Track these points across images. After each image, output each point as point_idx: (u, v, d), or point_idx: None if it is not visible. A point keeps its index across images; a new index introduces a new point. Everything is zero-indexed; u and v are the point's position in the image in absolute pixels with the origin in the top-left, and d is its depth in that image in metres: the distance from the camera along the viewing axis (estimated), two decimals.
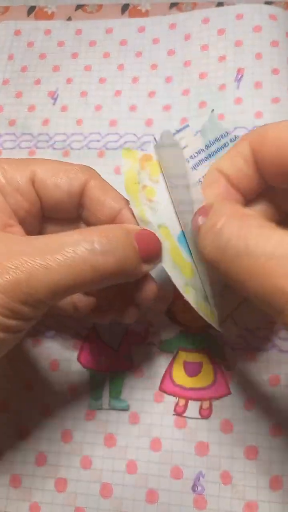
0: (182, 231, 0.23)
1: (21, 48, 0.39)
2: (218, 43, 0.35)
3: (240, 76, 0.34)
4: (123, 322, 0.25)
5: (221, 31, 0.36)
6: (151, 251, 0.22)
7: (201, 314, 0.24)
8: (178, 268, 0.23)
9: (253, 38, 0.35)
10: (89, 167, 0.25)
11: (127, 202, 0.24)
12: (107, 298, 0.25)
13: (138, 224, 0.23)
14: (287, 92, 0.33)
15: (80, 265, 0.19)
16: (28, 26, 0.39)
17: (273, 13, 0.35)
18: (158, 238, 0.23)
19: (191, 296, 0.24)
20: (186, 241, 0.24)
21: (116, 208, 0.23)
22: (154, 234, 0.23)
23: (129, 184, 0.24)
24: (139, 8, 0.40)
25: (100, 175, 0.24)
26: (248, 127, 0.32)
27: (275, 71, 0.33)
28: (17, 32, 0.39)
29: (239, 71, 0.34)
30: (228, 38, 0.35)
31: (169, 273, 0.23)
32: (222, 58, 0.35)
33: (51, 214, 0.24)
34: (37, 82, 0.37)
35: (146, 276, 0.23)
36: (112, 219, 0.24)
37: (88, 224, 0.25)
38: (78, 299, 0.25)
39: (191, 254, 0.23)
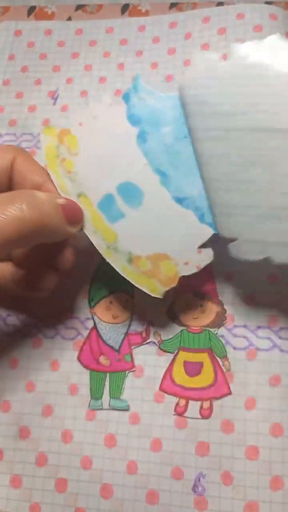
0: (107, 195, 0.25)
1: (21, 48, 0.39)
2: (218, 43, 0.35)
3: None
4: (44, 289, 0.27)
5: (221, 31, 0.36)
6: (75, 214, 0.25)
7: (124, 275, 0.26)
8: (99, 233, 0.26)
9: (254, 37, 0.35)
10: (16, 146, 0.28)
11: (49, 176, 0.26)
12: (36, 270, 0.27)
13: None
14: None
15: (10, 221, 0.21)
16: (28, 26, 0.39)
17: (273, 12, 0.35)
18: (78, 205, 0.26)
19: (112, 258, 0.26)
20: (108, 206, 0.26)
21: (39, 181, 0.26)
22: (75, 202, 0.26)
23: (49, 158, 0.26)
24: (139, 8, 0.40)
25: (26, 153, 0.27)
26: None
27: None
28: (18, 33, 0.39)
29: None
30: (228, 37, 0.35)
31: (90, 238, 0.26)
32: (223, 57, 0.34)
33: None
34: (38, 82, 0.37)
35: (65, 242, 0.26)
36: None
37: None
38: (11, 271, 0.27)
39: (115, 219, 0.26)
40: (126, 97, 0.27)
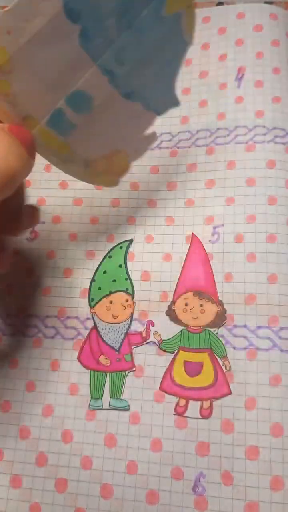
0: (55, 110, 0.23)
1: None
2: (218, 42, 0.35)
3: (240, 75, 0.34)
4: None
5: (221, 30, 0.35)
6: (28, 140, 0.22)
7: (83, 180, 0.27)
8: (52, 149, 0.24)
9: (254, 37, 0.35)
10: None
11: None
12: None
13: None
14: (287, 92, 0.33)
15: None
16: None
17: (273, 12, 0.35)
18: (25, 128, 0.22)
19: (69, 169, 0.26)
20: (58, 121, 0.23)
21: None
22: (21, 125, 0.22)
23: None
24: None
25: None
26: (249, 126, 0.32)
27: (275, 71, 0.33)
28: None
29: (240, 70, 0.34)
30: (228, 37, 0.35)
31: (45, 158, 0.24)
32: (222, 57, 0.35)
33: None
34: None
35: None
36: None
37: None
38: None
39: (67, 132, 0.24)
40: None
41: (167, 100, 0.28)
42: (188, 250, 0.30)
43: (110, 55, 0.23)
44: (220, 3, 0.38)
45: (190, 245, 0.30)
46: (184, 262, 0.30)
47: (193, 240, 0.30)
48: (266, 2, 0.36)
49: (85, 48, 0.22)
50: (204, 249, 0.30)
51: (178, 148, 0.33)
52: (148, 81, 0.26)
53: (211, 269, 0.29)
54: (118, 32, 0.23)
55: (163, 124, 0.34)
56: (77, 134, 0.25)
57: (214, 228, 0.30)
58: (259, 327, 0.28)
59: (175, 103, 0.28)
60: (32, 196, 0.33)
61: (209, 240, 0.30)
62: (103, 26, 0.23)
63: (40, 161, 0.33)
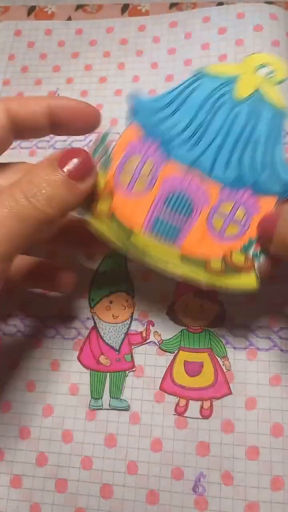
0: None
1: (21, 48, 0.39)
2: (219, 42, 0.35)
3: None
4: (61, 287, 0.28)
5: (222, 30, 0.36)
6: (80, 166, 0.21)
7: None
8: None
9: (254, 37, 0.35)
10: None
11: (50, 97, 0.26)
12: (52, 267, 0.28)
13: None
14: None
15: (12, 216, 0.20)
16: (29, 26, 0.39)
17: (274, 12, 0.35)
18: (80, 149, 0.22)
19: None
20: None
21: (43, 108, 0.24)
22: (78, 149, 0.21)
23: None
24: (139, 8, 0.40)
25: (14, 98, 0.26)
26: None
27: None
28: (18, 33, 0.39)
29: None
30: (229, 37, 0.35)
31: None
32: (223, 57, 0.35)
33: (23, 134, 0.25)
34: (38, 82, 0.37)
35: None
36: (48, 120, 0.24)
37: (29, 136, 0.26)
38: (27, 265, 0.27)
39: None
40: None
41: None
42: None
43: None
44: (220, 3, 0.38)
45: None
46: None
47: None
48: (266, 2, 0.36)
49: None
50: None
51: None
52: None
53: None
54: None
55: None
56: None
57: None
58: (259, 327, 0.28)
59: None
60: None
61: None
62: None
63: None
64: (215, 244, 0.23)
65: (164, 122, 0.23)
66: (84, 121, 0.25)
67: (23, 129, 0.24)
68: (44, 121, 0.24)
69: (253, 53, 0.24)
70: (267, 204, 0.23)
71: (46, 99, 0.24)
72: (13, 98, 0.26)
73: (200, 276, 0.23)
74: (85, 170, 0.21)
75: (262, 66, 0.23)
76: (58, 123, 0.24)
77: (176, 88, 0.24)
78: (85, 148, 0.22)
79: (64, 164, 0.21)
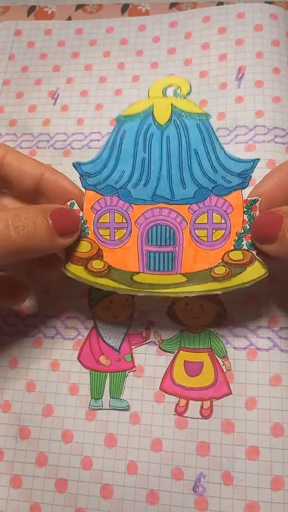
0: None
1: (21, 48, 0.39)
2: (219, 42, 0.35)
3: (241, 75, 0.34)
4: (14, 301, 0.28)
5: (221, 30, 0.35)
6: (67, 225, 0.24)
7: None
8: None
9: (254, 37, 0.35)
10: (3, 144, 0.27)
11: (47, 167, 0.26)
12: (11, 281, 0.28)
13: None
14: (287, 91, 0.33)
15: None
16: (29, 26, 0.39)
17: (274, 12, 0.35)
18: (74, 213, 0.24)
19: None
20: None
21: (36, 174, 0.26)
22: (71, 210, 0.25)
23: None
24: (139, 8, 0.40)
25: (15, 150, 0.27)
26: (249, 126, 0.32)
27: (275, 70, 0.33)
28: (18, 32, 0.39)
29: (240, 70, 0.34)
30: (229, 37, 0.35)
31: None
32: (223, 57, 0.35)
33: None
34: (38, 82, 0.37)
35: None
36: (36, 185, 0.26)
37: (14, 194, 0.28)
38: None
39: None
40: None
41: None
42: None
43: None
44: (220, 3, 0.38)
45: None
46: None
47: None
48: (266, 2, 0.36)
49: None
50: None
51: None
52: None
53: None
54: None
55: None
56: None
57: None
58: (259, 327, 0.28)
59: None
60: None
61: None
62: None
63: (39, 160, 0.34)
64: (210, 254, 0.25)
65: (111, 177, 0.26)
66: (65, 200, 0.26)
67: (7, 181, 0.26)
68: (30, 184, 0.26)
69: (154, 82, 0.26)
70: (234, 199, 0.25)
71: (43, 167, 0.26)
72: (14, 150, 0.27)
73: (211, 288, 0.24)
74: (69, 229, 0.24)
75: (167, 88, 0.25)
76: (42, 192, 0.26)
77: (107, 143, 0.27)
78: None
79: (54, 216, 0.23)
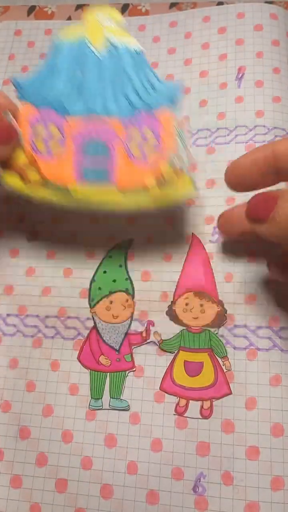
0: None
1: (21, 48, 0.39)
2: (219, 42, 0.35)
3: (241, 75, 0.34)
4: None
5: (221, 30, 0.35)
6: (2, 133, 0.25)
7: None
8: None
9: (254, 37, 0.35)
10: None
11: (8, 99, 0.27)
12: None
13: None
14: (287, 91, 0.33)
15: None
16: (29, 26, 0.39)
17: (274, 12, 0.35)
18: (6, 122, 0.25)
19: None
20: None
21: None
22: (4, 120, 0.25)
23: None
24: (139, 8, 0.40)
25: None
26: (249, 126, 0.32)
27: (276, 70, 0.33)
28: (18, 32, 0.39)
29: (240, 69, 0.34)
30: (229, 37, 0.35)
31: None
32: (223, 57, 0.35)
33: None
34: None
35: None
36: None
37: None
38: None
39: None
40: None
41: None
42: (189, 250, 0.30)
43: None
44: (220, 3, 0.38)
45: (190, 245, 0.30)
46: (184, 262, 0.30)
47: (194, 240, 0.30)
48: (266, 2, 0.36)
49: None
50: (205, 248, 0.30)
51: None
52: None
53: (211, 269, 0.29)
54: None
55: None
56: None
57: (214, 228, 0.30)
58: (259, 327, 0.28)
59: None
60: None
61: (209, 240, 0.30)
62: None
63: None
64: (143, 169, 0.26)
65: (47, 91, 0.27)
66: None
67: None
68: None
69: (89, 11, 0.28)
70: (163, 116, 0.26)
71: None
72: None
73: (144, 202, 0.26)
74: (5, 136, 0.25)
75: (99, 15, 0.27)
76: None
77: (45, 62, 0.27)
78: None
79: None
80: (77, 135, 0.26)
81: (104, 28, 0.27)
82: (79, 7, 0.40)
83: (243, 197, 0.30)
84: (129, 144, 0.26)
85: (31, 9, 0.41)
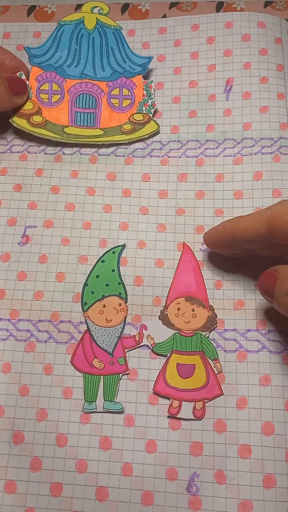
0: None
1: (11, 51, 0.38)
2: (207, 53, 0.36)
3: (229, 87, 0.35)
4: None
5: (210, 40, 0.36)
6: (18, 88, 0.34)
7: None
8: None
9: (242, 47, 0.35)
10: None
11: (22, 63, 0.35)
12: None
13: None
14: (275, 100, 0.34)
15: None
16: (17, 28, 0.39)
17: (261, 20, 0.36)
18: (22, 80, 0.34)
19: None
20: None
21: (13, 65, 0.35)
22: (20, 78, 0.34)
23: None
24: (139, 8, 0.40)
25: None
26: (237, 139, 0.33)
27: (263, 80, 0.34)
28: (6, 35, 0.39)
29: (228, 81, 0.35)
30: (217, 47, 0.36)
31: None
32: (211, 68, 0.35)
33: None
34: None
35: None
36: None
37: None
38: None
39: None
40: None
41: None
42: (180, 257, 0.31)
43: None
44: (220, 4, 0.39)
45: (181, 253, 0.31)
46: (176, 269, 0.31)
47: (185, 248, 0.31)
48: (266, 2, 0.37)
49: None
50: (195, 257, 0.31)
51: (168, 157, 0.34)
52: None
53: (202, 276, 0.30)
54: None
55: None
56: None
57: None
58: (248, 330, 0.29)
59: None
60: (23, 200, 0.33)
61: (200, 249, 0.31)
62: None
63: (30, 165, 0.34)
64: (120, 116, 0.35)
65: (51, 59, 0.36)
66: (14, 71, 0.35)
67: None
68: None
69: (86, 3, 0.37)
70: (138, 80, 0.35)
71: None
72: None
73: (120, 138, 0.34)
74: (20, 91, 0.34)
75: (94, 7, 0.37)
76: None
77: (50, 37, 0.36)
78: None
79: (9, 81, 0.33)
80: (73, 90, 0.35)
81: (95, 15, 0.37)
82: (79, 7, 0.40)
83: (231, 210, 0.31)
84: (110, 98, 0.35)
85: (31, 9, 0.41)
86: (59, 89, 0.35)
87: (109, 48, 0.36)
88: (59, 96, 0.35)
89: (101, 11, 0.37)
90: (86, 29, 0.36)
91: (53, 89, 0.35)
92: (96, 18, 0.36)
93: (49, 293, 0.31)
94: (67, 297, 0.30)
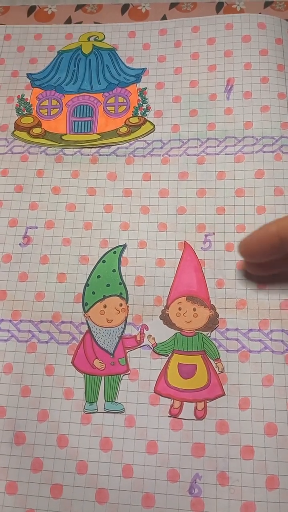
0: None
1: (11, 53, 0.39)
2: (208, 53, 0.36)
3: (229, 86, 0.35)
4: None
5: (210, 41, 0.36)
6: None
7: None
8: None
9: (242, 48, 0.35)
10: None
11: None
12: None
13: None
14: (276, 99, 0.34)
15: None
16: (18, 30, 0.39)
17: (262, 21, 0.36)
18: None
19: None
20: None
21: None
22: None
23: None
24: (139, 8, 0.40)
25: None
26: (238, 137, 0.33)
27: (264, 80, 0.34)
28: (7, 37, 0.39)
29: (229, 81, 0.35)
30: (217, 48, 0.36)
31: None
32: (212, 68, 0.35)
33: None
34: (28, 87, 0.37)
35: None
36: None
37: None
38: None
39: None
40: None
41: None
42: (181, 256, 0.31)
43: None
44: (220, 4, 0.39)
45: (182, 252, 0.31)
46: (177, 268, 0.30)
47: (186, 247, 0.31)
48: (266, 3, 0.37)
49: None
50: (196, 256, 0.31)
51: (169, 156, 0.34)
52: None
53: (203, 276, 0.30)
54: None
55: (155, 131, 0.34)
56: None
57: (206, 236, 0.31)
58: (250, 330, 0.29)
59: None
60: (24, 201, 0.33)
61: (201, 248, 0.31)
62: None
63: (31, 166, 0.34)
64: (117, 120, 0.36)
65: (51, 80, 0.38)
66: None
67: None
68: None
69: (83, 33, 0.39)
70: (132, 88, 0.37)
71: None
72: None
73: (117, 140, 0.35)
74: None
75: (90, 37, 0.39)
76: None
77: (51, 63, 0.38)
78: None
79: None
80: (71, 104, 0.37)
81: (91, 42, 0.38)
82: (79, 7, 0.40)
83: (233, 208, 0.31)
84: (107, 106, 0.36)
85: (31, 10, 0.41)
86: (58, 104, 0.37)
87: (105, 66, 0.38)
88: (58, 109, 0.36)
89: (97, 38, 0.38)
90: (83, 54, 0.38)
91: (52, 104, 0.37)
92: (93, 44, 0.38)
93: (50, 293, 0.30)
94: (68, 298, 0.30)
